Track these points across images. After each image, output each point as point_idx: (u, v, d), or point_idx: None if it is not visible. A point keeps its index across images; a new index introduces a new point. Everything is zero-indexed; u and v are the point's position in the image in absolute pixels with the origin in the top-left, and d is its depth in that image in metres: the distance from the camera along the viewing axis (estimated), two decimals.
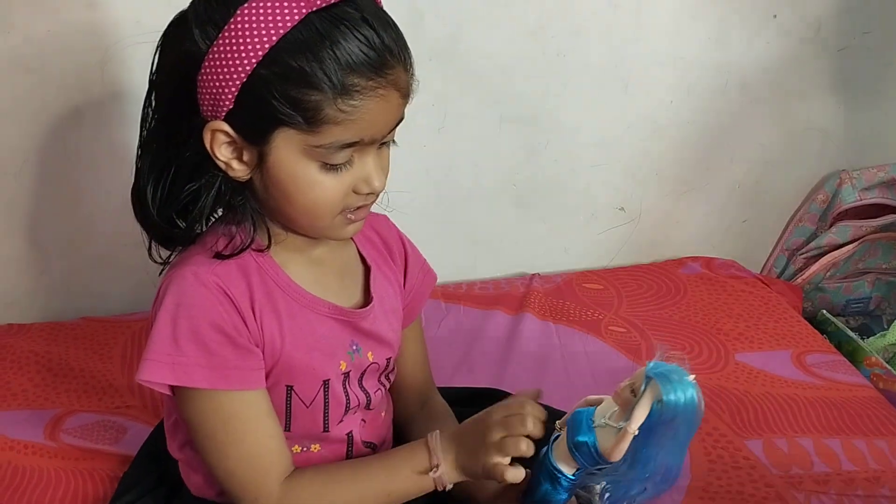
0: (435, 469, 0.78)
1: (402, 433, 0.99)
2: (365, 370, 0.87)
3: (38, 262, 1.43)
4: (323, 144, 0.71)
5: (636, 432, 0.71)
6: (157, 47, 0.76)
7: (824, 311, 1.68)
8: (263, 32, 0.67)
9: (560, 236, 1.69)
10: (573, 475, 0.77)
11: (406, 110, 0.77)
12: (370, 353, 0.87)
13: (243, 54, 0.68)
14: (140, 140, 0.79)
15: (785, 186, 1.77)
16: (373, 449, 0.92)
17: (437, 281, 1.02)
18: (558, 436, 0.78)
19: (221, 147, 0.73)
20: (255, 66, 0.68)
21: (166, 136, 0.76)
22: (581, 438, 0.74)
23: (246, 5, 0.68)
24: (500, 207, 1.62)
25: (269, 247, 0.80)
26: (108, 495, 1.02)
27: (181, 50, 0.72)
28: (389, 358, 0.91)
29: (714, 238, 1.78)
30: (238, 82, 0.69)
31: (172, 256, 0.81)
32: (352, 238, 0.90)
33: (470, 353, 1.40)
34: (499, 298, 1.58)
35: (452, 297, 1.57)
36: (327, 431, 0.86)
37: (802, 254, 1.79)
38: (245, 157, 0.74)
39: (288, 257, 0.82)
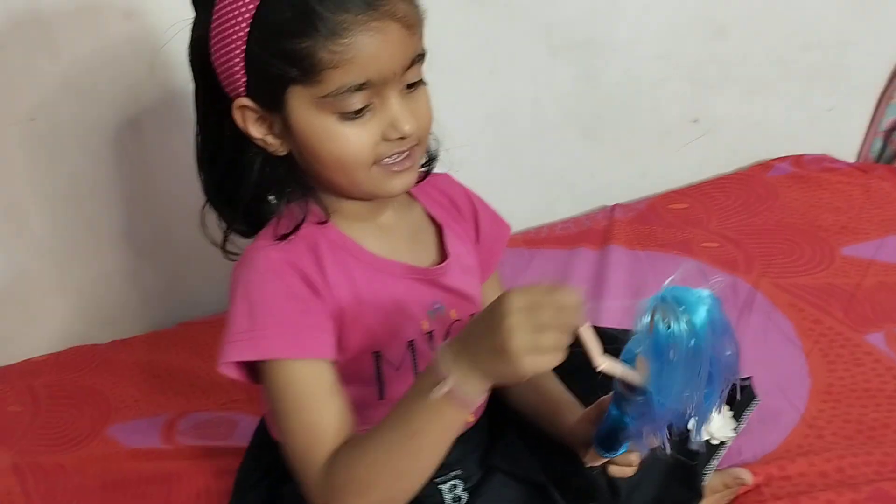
0: (441, 384, 0.62)
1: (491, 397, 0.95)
2: (449, 328, 0.86)
3: (127, 278, 1.46)
4: (330, 93, 0.70)
5: (602, 365, 0.62)
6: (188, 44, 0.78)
7: None
8: None
9: (635, 161, 1.63)
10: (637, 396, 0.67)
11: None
12: (453, 310, 0.85)
13: (234, 24, 0.69)
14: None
15: (867, 65, 1.66)
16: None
17: (516, 228, 0.99)
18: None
19: (253, 124, 0.74)
20: (247, 32, 0.69)
21: (208, 125, 0.78)
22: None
23: None
24: (567, 141, 1.57)
25: (328, 218, 0.79)
26: (230, 488, 1.05)
27: (194, 40, 0.75)
28: (473, 314, 0.89)
29: (800, 134, 1.69)
30: (240, 53, 0.70)
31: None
32: (418, 200, 0.89)
33: None
34: (582, 235, 1.54)
35: (533, 243, 1.54)
36: None
37: None
38: (275, 130, 0.74)
39: (355, 227, 0.81)
